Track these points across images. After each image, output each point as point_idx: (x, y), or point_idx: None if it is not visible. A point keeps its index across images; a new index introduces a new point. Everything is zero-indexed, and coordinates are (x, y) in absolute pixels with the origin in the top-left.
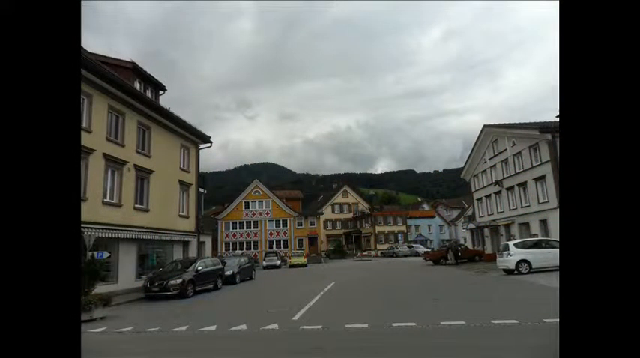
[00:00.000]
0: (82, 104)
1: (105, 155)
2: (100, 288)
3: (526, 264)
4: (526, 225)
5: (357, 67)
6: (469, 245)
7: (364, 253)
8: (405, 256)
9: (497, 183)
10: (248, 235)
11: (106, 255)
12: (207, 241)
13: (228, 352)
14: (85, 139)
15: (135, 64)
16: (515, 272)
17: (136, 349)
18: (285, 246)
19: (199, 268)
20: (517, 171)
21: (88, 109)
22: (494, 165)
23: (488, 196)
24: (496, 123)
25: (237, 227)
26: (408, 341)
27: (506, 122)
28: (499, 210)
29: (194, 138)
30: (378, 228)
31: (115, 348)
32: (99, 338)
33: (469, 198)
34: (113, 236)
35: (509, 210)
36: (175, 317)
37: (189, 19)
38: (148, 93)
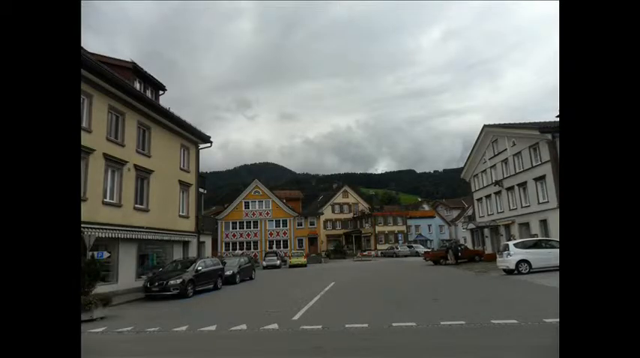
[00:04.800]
0: (82, 104)
1: (105, 155)
2: (100, 288)
3: (526, 264)
4: (526, 225)
5: (357, 67)
6: (469, 245)
7: (364, 253)
8: (405, 256)
9: (498, 183)
10: (248, 235)
11: (105, 254)
12: (207, 241)
13: (228, 352)
14: (85, 139)
15: (135, 64)
16: (516, 272)
17: (136, 349)
18: (285, 246)
19: (199, 268)
20: (517, 171)
21: (88, 109)
22: (494, 165)
23: (488, 196)
24: (496, 123)
25: (237, 227)
26: (408, 341)
27: (506, 122)
28: (499, 210)
29: (194, 138)
30: (378, 228)
31: (115, 348)
32: (99, 338)
33: (469, 198)
34: (113, 236)
35: (509, 210)
36: (175, 317)
37: (189, 19)
38: (148, 94)
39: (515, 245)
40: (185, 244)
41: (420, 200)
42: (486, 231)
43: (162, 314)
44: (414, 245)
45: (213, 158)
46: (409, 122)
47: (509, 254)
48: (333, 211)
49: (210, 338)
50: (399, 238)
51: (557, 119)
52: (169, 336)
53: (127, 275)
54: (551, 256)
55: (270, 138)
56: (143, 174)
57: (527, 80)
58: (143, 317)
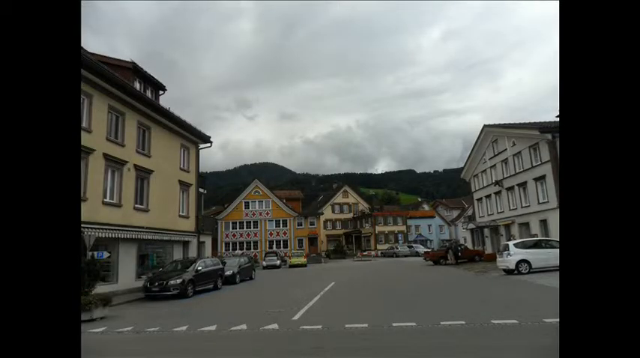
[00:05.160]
0: (82, 104)
1: (105, 155)
2: (100, 288)
3: (526, 264)
4: (526, 225)
5: (357, 67)
6: (469, 245)
7: (364, 253)
8: (405, 256)
9: (498, 183)
10: (248, 235)
11: (105, 254)
12: (207, 241)
13: (228, 352)
14: (85, 139)
15: (135, 64)
16: (515, 272)
17: (135, 349)
18: (285, 246)
19: (199, 268)
20: (517, 171)
21: (88, 109)
22: (495, 165)
23: (488, 196)
24: (496, 123)
25: (237, 227)
26: (408, 341)
27: (506, 122)
28: (499, 210)
29: (194, 138)
30: (378, 228)
31: (115, 348)
32: (99, 338)
33: (469, 198)
34: (113, 236)
35: (509, 210)
36: (175, 317)
37: (189, 19)
38: (148, 94)
39: (515, 245)
40: (185, 244)
41: (420, 200)
42: (486, 231)
43: (163, 314)
44: (414, 245)
45: (214, 158)
46: (409, 122)
47: (509, 254)
48: (333, 211)
49: (210, 338)
50: (399, 238)
51: (557, 119)
52: (169, 336)
53: (126, 275)
54: (551, 256)
55: (270, 138)
56: (143, 174)
57: (527, 80)
58: (143, 317)
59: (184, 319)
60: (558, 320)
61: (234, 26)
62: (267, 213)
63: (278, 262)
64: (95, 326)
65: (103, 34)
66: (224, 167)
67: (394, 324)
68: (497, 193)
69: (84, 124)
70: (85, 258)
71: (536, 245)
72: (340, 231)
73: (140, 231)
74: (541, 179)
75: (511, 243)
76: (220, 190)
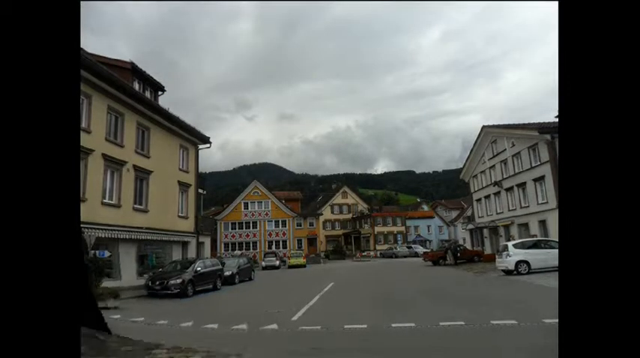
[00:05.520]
0: (82, 105)
1: (104, 155)
2: (106, 284)
3: (525, 265)
4: (525, 225)
5: (357, 67)
6: (468, 245)
7: (363, 254)
8: (404, 257)
9: (497, 183)
10: (247, 236)
11: (107, 254)
12: (207, 242)
13: (227, 352)
14: (85, 140)
15: (134, 64)
16: (515, 272)
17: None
18: (285, 247)
19: (198, 268)
20: (516, 171)
21: (88, 110)
22: (494, 165)
23: (487, 197)
24: (495, 123)
25: (237, 227)
26: (407, 342)
27: (506, 123)
28: (498, 211)
29: (193, 138)
30: (377, 229)
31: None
32: (117, 324)
33: (468, 199)
34: (113, 236)
35: (509, 210)
36: (179, 313)
37: (189, 19)
38: (147, 94)
39: (515, 245)
40: (184, 245)
41: (419, 200)
42: (485, 232)
43: (168, 310)
44: (413, 245)
45: (213, 158)
46: (408, 122)
47: (508, 254)
48: (332, 212)
49: (209, 337)
50: (398, 239)
51: (557, 119)
52: (176, 331)
53: (128, 273)
54: (550, 256)
55: (270, 139)
56: (142, 175)
57: (527, 80)
58: (151, 311)
59: (188, 316)
60: (557, 320)
61: (234, 26)
62: (267, 214)
63: (277, 263)
64: (112, 314)
65: (103, 34)
66: (223, 167)
67: (393, 325)
68: (497, 194)
69: (83, 125)
70: (87, 255)
71: (536, 245)
72: (339, 232)
73: (139, 232)
74: (540, 179)
75: (510, 244)
76: (219, 191)
